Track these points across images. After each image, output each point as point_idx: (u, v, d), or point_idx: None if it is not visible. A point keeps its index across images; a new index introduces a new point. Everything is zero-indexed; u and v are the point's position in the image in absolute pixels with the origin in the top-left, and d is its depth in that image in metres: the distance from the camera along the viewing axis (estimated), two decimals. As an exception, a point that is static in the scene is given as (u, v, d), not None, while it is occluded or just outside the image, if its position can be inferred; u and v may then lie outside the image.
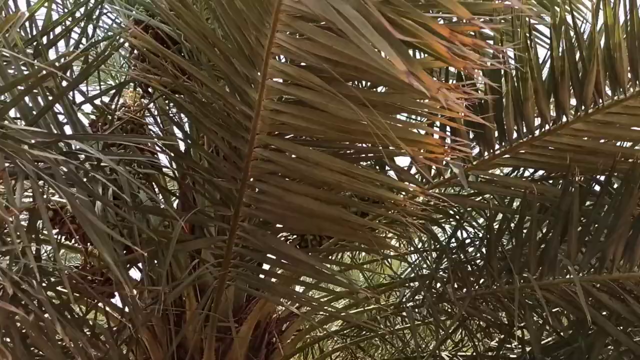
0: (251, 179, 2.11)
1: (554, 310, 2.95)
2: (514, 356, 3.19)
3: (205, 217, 2.54)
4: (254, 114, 1.71)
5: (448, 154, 1.68)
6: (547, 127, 2.44)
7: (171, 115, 2.37)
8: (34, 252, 2.24)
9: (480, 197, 3.13)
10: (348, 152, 1.99)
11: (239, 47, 1.54)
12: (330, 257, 4.39)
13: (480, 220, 3.29)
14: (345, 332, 4.08)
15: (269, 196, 2.18)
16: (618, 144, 2.60)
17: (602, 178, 2.62)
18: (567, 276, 2.63)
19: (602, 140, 2.58)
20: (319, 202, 2.03)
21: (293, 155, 1.95)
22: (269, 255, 2.54)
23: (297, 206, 2.10)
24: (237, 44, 1.54)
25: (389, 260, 4.08)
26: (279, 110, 1.67)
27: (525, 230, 2.75)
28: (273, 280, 2.98)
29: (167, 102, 2.66)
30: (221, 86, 1.78)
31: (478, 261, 2.91)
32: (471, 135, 2.61)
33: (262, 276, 2.92)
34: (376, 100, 1.48)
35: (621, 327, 2.74)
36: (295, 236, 3.21)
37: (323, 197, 2.02)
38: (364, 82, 1.75)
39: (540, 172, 2.93)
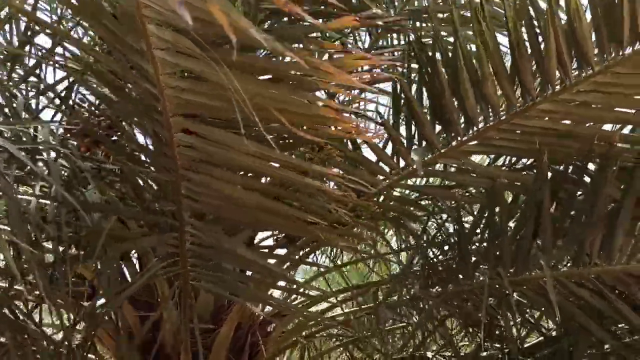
0: (182, 169, 1.92)
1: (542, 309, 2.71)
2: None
3: (153, 213, 2.35)
4: (158, 92, 1.51)
5: (357, 132, 1.45)
6: (513, 109, 2.19)
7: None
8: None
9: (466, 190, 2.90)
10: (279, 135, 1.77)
11: (121, 16, 1.34)
12: (312, 257, 4.19)
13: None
14: (327, 332, 3.88)
15: (202, 186, 1.97)
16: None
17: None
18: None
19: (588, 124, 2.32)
20: (247, 191, 1.82)
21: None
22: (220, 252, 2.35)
23: (228, 196, 1.90)
24: (117, 12, 1.34)
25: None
26: (180, 87, 1.47)
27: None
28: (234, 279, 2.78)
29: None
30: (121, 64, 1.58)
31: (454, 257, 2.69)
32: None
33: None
34: (269, 69, 1.27)
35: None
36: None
37: (251, 186, 1.80)
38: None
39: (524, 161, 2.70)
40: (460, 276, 2.57)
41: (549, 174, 2.32)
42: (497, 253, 2.45)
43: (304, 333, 3.85)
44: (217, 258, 2.40)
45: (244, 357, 3.46)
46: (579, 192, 2.32)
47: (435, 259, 2.60)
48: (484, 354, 3.30)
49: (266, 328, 3.65)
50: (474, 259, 2.53)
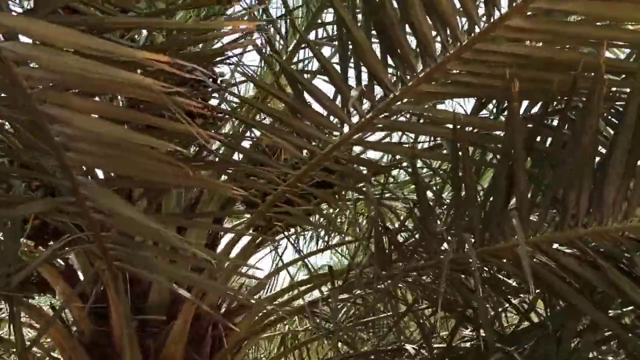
0: (36, 101, 1.41)
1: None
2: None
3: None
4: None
5: None
6: (476, 30, 1.67)
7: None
8: None
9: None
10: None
11: None
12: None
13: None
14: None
15: (71, 128, 1.46)
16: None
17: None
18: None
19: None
20: (111, 124, 1.30)
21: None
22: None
23: (95, 135, 1.39)
24: None
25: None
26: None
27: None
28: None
29: None
30: None
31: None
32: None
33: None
34: None
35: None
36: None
37: (112, 114, 1.29)
38: None
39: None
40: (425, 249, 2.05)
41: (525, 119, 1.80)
42: (466, 219, 1.93)
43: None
44: (120, 228, 1.90)
45: (204, 350, 2.99)
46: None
47: (392, 230, 2.07)
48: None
49: (232, 319, 3.17)
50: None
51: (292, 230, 3.75)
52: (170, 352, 2.79)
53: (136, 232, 1.79)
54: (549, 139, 1.83)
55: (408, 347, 2.84)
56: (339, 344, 3.63)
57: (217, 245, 3.27)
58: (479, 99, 2.26)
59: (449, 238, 1.92)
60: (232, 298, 2.69)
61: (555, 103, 1.82)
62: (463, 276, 2.16)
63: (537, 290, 2.14)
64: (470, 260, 1.88)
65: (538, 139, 1.84)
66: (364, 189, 2.46)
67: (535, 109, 2.11)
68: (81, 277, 3.03)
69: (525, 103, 2.06)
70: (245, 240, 3.26)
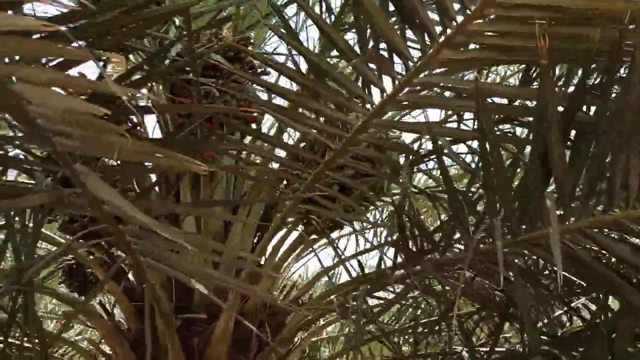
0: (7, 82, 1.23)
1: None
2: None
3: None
4: None
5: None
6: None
7: None
8: None
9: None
10: None
11: None
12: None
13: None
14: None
15: (40, 105, 1.28)
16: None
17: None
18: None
19: None
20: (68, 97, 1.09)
21: None
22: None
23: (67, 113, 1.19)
24: None
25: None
26: None
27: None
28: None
29: None
30: None
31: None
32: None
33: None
34: None
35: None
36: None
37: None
38: None
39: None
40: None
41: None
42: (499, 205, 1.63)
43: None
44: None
45: (250, 352, 2.78)
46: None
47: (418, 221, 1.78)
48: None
49: (282, 320, 2.94)
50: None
51: (348, 229, 3.51)
52: (214, 352, 2.60)
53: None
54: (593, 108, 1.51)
55: (458, 348, 2.55)
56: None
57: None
58: (527, 69, 1.97)
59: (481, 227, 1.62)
60: (270, 301, 2.48)
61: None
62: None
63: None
64: (506, 250, 1.60)
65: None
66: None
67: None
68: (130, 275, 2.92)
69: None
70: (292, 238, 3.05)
